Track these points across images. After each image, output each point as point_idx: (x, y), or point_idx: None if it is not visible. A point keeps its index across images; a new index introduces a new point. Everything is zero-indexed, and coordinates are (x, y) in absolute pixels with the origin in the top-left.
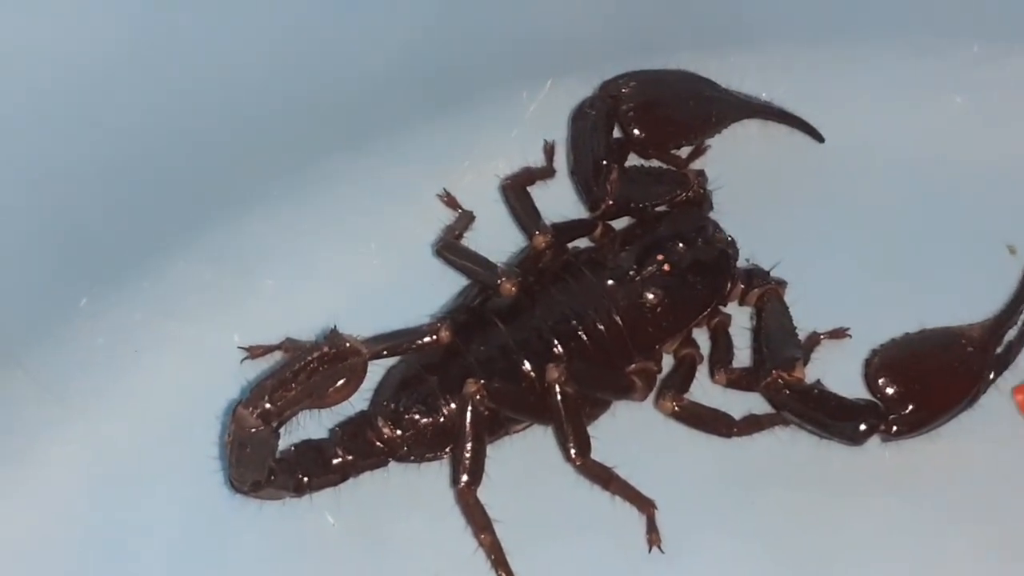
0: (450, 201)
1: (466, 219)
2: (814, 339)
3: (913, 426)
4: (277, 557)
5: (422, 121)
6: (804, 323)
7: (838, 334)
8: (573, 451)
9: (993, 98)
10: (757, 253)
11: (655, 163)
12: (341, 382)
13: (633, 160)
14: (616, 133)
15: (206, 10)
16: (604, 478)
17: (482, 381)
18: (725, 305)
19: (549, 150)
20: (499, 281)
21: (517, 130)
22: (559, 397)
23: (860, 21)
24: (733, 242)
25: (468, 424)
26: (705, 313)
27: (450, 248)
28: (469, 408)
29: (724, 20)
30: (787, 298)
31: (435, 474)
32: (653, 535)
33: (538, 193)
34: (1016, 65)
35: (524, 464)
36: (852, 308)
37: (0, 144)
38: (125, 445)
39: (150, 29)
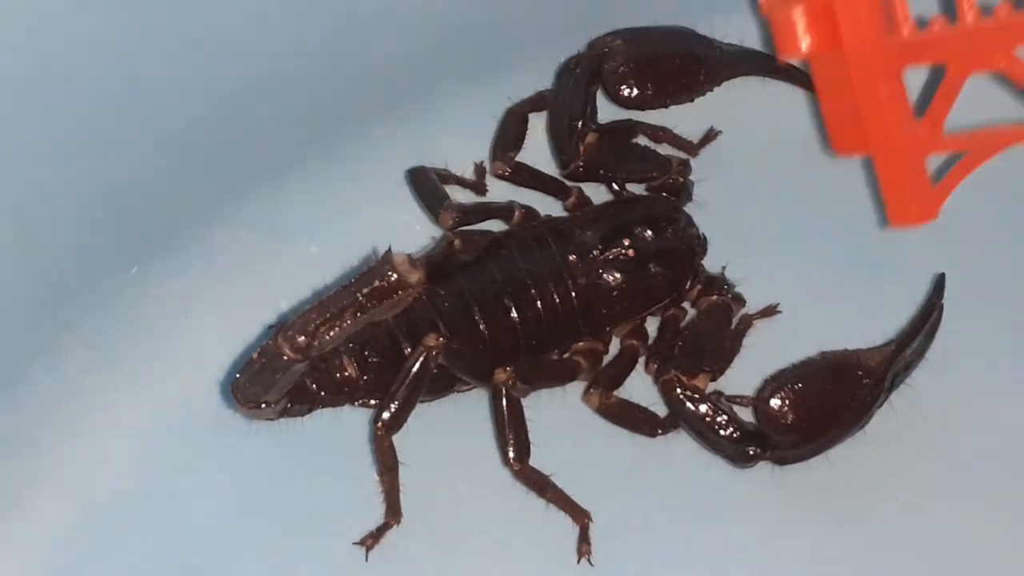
0: (480, 171)
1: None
2: (746, 322)
3: (796, 458)
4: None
5: (459, 90)
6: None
7: (768, 312)
8: (512, 456)
9: None
10: (733, 254)
11: (653, 144)
12: (386, 311)
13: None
14: None
15: None
16: (540, 485)
17: (442, 339)
18: (683, 301)
19: None
20: (439, 211)
21: None
22: (504, 400)
23: None
24: (703, 240)
25: (413, 374)
26: (660, 304)
27: (419, 172)
28: (420, 359)
29: None
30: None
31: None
32: (584, 546)
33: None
34: None
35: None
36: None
37: (54, 116)
38: (174, 409)
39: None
